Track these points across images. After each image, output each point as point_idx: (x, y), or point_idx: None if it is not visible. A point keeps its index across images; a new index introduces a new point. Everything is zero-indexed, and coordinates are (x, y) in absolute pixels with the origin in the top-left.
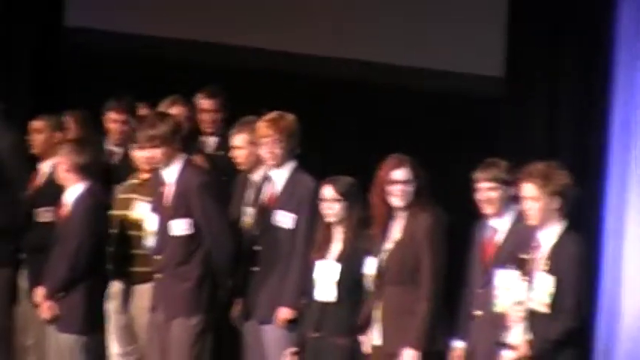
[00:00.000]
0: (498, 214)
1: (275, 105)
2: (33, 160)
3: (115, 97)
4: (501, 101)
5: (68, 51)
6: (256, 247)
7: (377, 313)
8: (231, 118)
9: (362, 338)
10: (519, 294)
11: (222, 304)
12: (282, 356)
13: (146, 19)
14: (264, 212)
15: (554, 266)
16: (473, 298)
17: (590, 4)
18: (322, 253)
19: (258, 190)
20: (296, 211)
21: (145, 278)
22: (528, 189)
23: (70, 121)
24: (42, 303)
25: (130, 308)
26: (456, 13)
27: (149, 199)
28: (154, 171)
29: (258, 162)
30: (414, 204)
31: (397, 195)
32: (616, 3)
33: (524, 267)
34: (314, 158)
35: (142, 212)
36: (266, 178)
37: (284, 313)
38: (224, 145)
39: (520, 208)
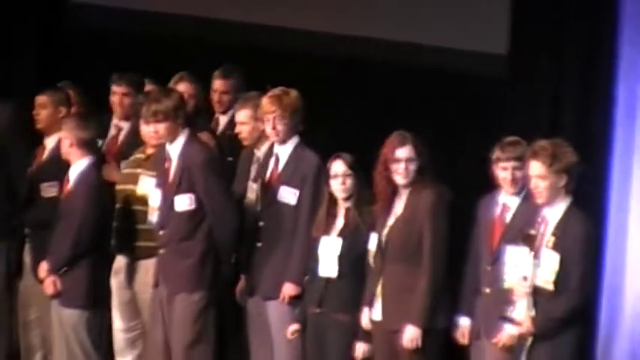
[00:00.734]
0: (517, 192)
1: (277, 82)
2: (39, 136)
3: (119, 72)
4: (505, 79)
5: (73, 27)
6: (260, 223)
7: (378, 289)
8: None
9: (361, 314)
10: (526, 269)
11: (225, 279)
12: (285, 332)
13: None
14: (268, 188)
15: (560, 243)
16: (480, 274)
17: None
18: (327, 228)
19: (262, 166)
20: (299, 187)
21: (149, 253)
22: (535, 167)
23: (72, 96)
24: (45, 278)
25: (134, 283)
26: None
27: (154, 174)
28: (159, 146)
29: (261, 137)
30: (417, 181)
31: (400, 173)
32: None
33: (531, 243)
34: (316, 135)
35: (147, 187)
36: (270, 154)
37: (288, 289)
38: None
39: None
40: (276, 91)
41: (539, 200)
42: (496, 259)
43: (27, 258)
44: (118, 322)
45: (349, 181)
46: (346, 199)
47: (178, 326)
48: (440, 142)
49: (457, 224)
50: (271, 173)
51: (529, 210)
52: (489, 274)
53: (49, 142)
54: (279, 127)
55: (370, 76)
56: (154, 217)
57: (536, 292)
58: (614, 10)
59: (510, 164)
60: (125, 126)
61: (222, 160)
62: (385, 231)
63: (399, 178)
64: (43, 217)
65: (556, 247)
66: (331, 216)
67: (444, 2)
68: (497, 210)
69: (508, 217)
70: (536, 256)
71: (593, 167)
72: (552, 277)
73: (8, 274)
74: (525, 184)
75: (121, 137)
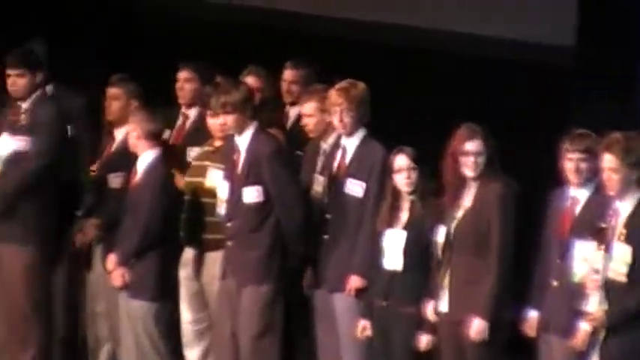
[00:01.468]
0: (583, 184)
1: (346, 73)
2: (110, 126)
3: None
4: (573, 71)
5: (143, 17)
6: (327, 216)
7: (445, 281)
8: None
9: (427, 305)
10: (596, 263)
11: (292, 272)
12: (354, 327)
13: None
14: (335, 180)
15: (631, 235)
16: (549, 268)
17: None
18: (391, 221)
19: (329, 158)
20: (366, 180)
21: (217, 245)
22: (608, 160)
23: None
24: (113, 270)
25: (202, 275)
26: None
27: (222, 166)
28: (227, 138)
29: (328, 130)
30: (486, 174)
31: (469, 166)
32: None
33: (602, 236)
34: (381, 127)
35: (215, 179)
36: (336, 146)
37: (355, 281)
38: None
39: (599, 179)
40: (344, 83)
41: (611, 193)
42: (565, 252)
43: (97, 249)
44: (186, 314)
45: (414, 175)
46: (411, 192)
47: (246, 318)
48: (507, 134)
49: (527, 217)
50: (338, 165)
51: (600, 203)
52: (558, 267)
53: (119, 134)
54: (346, 120)
55: (435, 68)
56: (221, 209)
57: (609, 285)
58: None
59: (576, 156)
60: (192, 114)
61: (291, 153)
62: (454, 223)
63: (468, 171)
64: (110, 209)
65: (628, 239)
66: (395, 209)
67: None
68: (567, 203)
69: (577, 210)
70: (607, 249)
71: None
72: (624, 269)
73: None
74: (594, 176)
75: (187, 125)
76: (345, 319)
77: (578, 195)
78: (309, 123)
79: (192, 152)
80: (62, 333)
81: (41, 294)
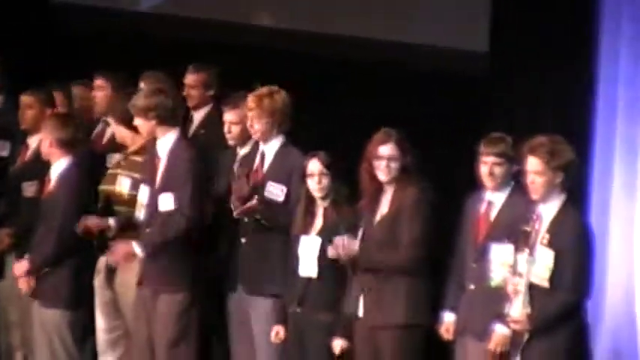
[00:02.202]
0: (498, 188)
1: (268, 81)
2: (23, 135)
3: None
4: (485, 78)
5: (61, 27)
6: (244, 219)
7: (360, 286)
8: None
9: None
10: (519, 266)
11: (209, 277)
12: (269, 332)
13: None
14: (254, 184)
15: (554, 240)
16: (465, 271)
17: None
18: (306, 228)
19: (246, 162)
20: (286, 183)
21: None
22: (533, 163)
23: (58, 96)
24: (20, 276)
25: (116, 283)
26: None
27: (132, 173)
28: (148, 144)
29: (248, 136)
30: (401, 179)
31: (383, 170)
32: None
33: (525, 239)
34: (305, 135)
35: (124, 187)
36: (255, 151)
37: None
38: (211, 120)
39: (514, 183)
40: (262, 90)
41: (535, 196)
42: (480, 255)
43: (9, 258)
44: (100, 322)
45: (325, 180)
46: (323, 198)
47: (162, 325)
48: (421, 140)
49: (442, 222)
50: (257, 169)
51: (520, 206)
52: (474, 270)
53: (33, 142)
54: (257, 127)
55: (357, 76)
56: (141, 214)
57: (532, 289)
58: (595, 6)
59: (490, 159)
60: (111, 122)
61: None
62: (369, 229)
63: (382, 175)
64: (24, 217)
65: (550, 244)
66: (310, 215)
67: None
68: (483, 207)
69: (493, 214)
70: (530, 253)
71: None
72: (547, 274)
73: None
74: (509, 180)
75: (107, 132)
76: (261, 324)
77: (493, 199)
78: (234, 130)
79: (113, 159)
80: None
81: None
